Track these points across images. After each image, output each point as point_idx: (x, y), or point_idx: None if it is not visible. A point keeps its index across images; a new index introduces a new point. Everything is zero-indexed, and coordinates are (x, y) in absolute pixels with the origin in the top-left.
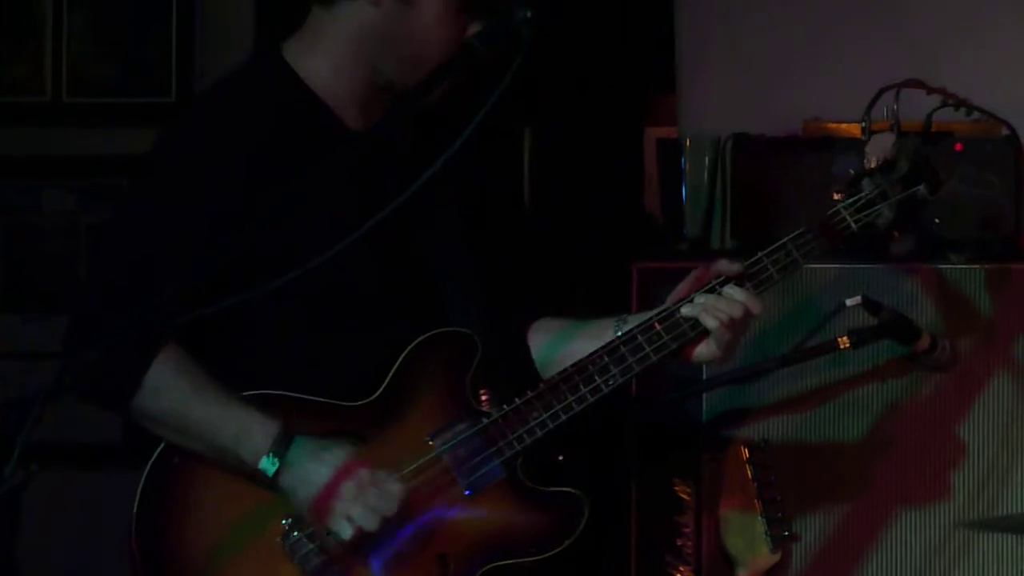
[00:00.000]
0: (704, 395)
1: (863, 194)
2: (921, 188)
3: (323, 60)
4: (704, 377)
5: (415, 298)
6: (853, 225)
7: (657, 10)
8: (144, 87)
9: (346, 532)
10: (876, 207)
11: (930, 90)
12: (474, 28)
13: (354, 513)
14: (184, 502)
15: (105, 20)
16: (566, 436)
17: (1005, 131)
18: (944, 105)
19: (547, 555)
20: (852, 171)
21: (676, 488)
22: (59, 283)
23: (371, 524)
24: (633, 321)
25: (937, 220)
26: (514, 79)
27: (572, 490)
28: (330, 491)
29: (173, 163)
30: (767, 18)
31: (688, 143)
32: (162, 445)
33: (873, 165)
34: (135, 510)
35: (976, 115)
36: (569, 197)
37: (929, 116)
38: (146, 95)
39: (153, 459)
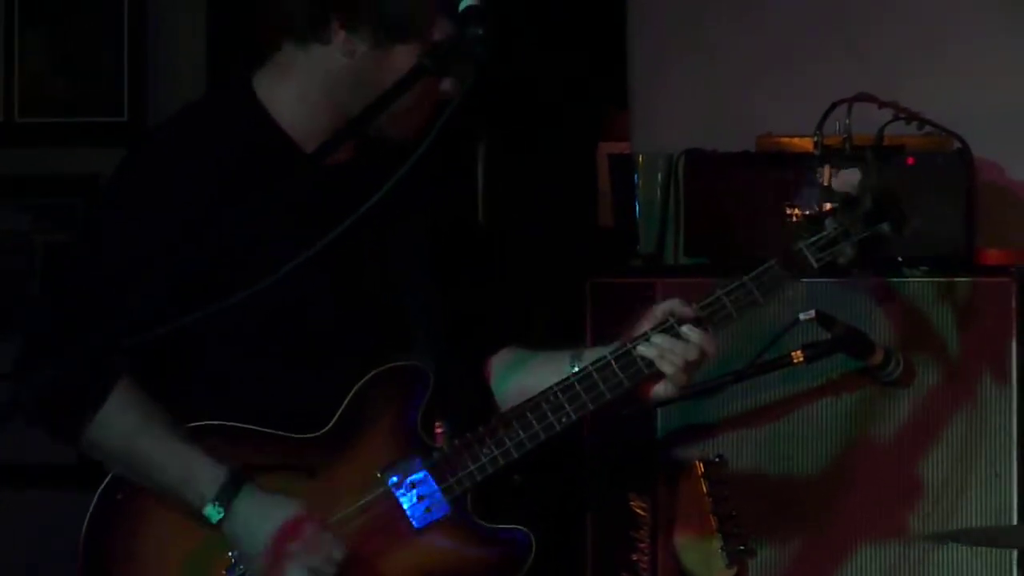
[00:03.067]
0: (659, 411)
1: (825, 233)
2: (885, 226)
3: (291, 95)
4: None
5: (372, 327)
6: (814, 264)
7: (610, 26)
8: (97, 107)
9: None
10: (838, 246)
11: (882, 104)
12: (445, 84)
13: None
14: (129, 539)
15: (58, 39)
16: (509, 468)
17: (957, 145)
18: (896, 119)
19: None
20: (816, 207)
21: (631, 504)
22: (13, 302)
23: None
24: (588, 356)
25: (900, 259)
26: (467, 97)
27: (520, 527)
28: (277, 551)
29: (130, 189)
30: (720, 34)
31: (641, 159)
32: (106, 481)
33: (837, 203)
34: (82, 544)
35: (928, 129)
36: (524, 213)
37: (881, 130)
38: (99, 114)
39: (97, 495)
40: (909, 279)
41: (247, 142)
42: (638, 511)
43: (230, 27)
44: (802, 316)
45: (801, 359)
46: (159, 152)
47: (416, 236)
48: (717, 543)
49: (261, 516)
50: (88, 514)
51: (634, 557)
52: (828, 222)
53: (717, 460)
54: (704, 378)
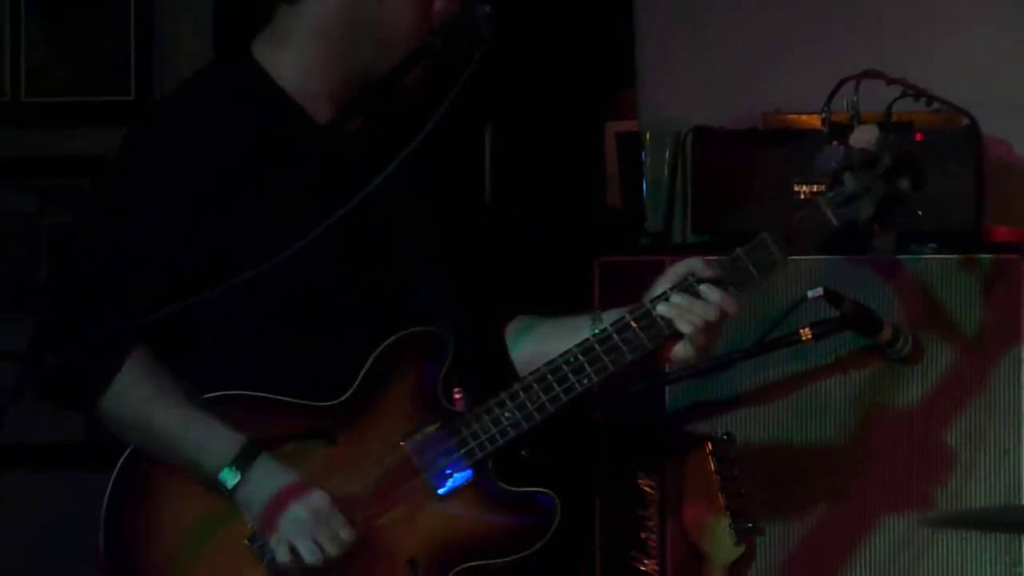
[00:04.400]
0: (667, 388)
1: (844, 188)
2: (905, 182)
3: (292, 56)
4: (667, 370)
5: (387, 297)
6: (834, 220)
7: (617, 4)
8: (103, 86)
9: (283, 556)
10: (858, 202)
11: (890, 80)
12: (440, 3)
13: (298, 543)
14: (152, 505)
15: (64, 19)
16: (531, 431)
17: (965, 121)
18: (904, 95)
19: (519, 556)
20: (835, 164)
21: (640, 482)
22: (21, 283)
23: (312, 559)
24: (608, 318)
25: (920, 212)
26: (475, 75)
27: (544, 490)
28: (277, 506)
29: (139, 164)
30: (727, 11)
31: (648, 137)
32: (130, 448)
33: (855, 159)
34: (103, 514)
35: (936, 105)
36: (531, 193)
37: (889, 107)
38: (106, 94)
39: (121, 463)
40: (918, 256)
41: (253, 109)
42: (646, 489)
43: (238, 4)
44: (810, 294)
45: (809, 336)
46: (165, 127)
47: (425, 210)
48: (725, 521)
49: (271, 479)
50: (110, 483)
51: (643, 535)
52: (847, 177)
53: (725, 438)
54: (712, 355)
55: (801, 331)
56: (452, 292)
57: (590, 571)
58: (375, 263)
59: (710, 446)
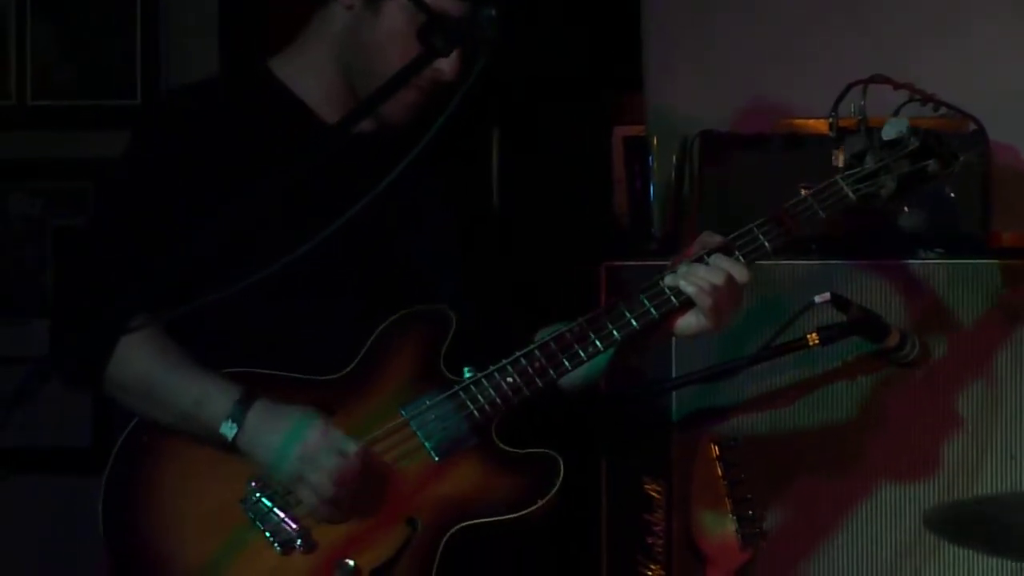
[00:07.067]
0: (673, 393)
1: (864, 167)
2: (932, 163)
3: (305, 63)
4: (673, 375)
5: (392, 283)
6: (852, 195)
7: (624, 8)
8: (109, 90)
9: (310, 500)
10: (879, 178)
11: (897, 85)
12: (442, 64)
13: (312, 479)
14: (151, 477)
15: (70, 23)
16: (532, 398)
17: (972, 126)
18: (911, 100)
19: (521, 514)
20: (859, 147)
21: (646, 487)
22: (27, 287)
23: (326, 490)
24: None
25: (953, 194)
26: (480, 78)
27: (546, 450)
28: (297, 457)
29: (147, 160)
30: (735, 15)
31: (655, 141)
32: (132, 423)
33: (877, 142)
34: (103, 486)
35: (943, 111)
36: (538, 197)
37: (896, 112)
38: (111, 97)
39: (123, 437)
40: (925, 261)
41: (262, 108)
42: (653, 494)
43: (242, 8)
44: (817, 299)
45: (816, 341)
46: (176, 120)
47: (435, 197)
48: (732, 526)
49: (272, 428)
50: (112, 454)
51: (648, 540)
52: (868, 157)
53: (732, 443)
54: (719, 360)
55: (808, 336)
56: (460, 280)
57: (595, 575)
58: (383, 246)
59: (717, 450)
